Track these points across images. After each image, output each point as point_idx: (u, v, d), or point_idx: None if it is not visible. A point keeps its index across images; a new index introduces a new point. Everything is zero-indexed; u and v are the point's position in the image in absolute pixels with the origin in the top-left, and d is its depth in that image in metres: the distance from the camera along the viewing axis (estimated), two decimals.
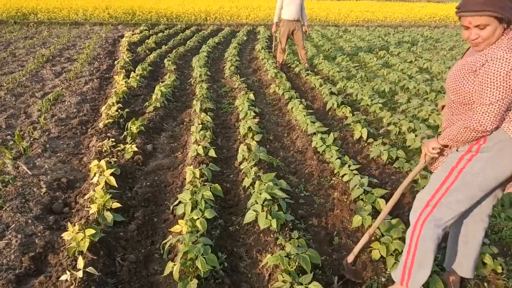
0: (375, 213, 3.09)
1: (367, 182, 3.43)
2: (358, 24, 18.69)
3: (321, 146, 4.36)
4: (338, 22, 19.02)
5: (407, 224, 3.04)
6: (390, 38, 13.56)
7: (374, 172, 4.04)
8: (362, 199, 3.26)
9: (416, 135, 4.64)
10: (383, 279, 2.51)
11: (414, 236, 2.08)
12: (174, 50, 9.61)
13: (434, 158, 2.18)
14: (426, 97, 6.60)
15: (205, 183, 3.27)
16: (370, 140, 4.60)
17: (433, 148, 2.12)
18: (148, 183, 3.74)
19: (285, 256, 2.39)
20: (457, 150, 2.00)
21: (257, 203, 2.98)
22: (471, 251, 2.27)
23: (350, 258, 2.63)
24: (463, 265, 2.31)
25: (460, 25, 15.81)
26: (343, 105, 5.74)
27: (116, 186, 3.31)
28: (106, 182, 3.30)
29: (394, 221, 2.84)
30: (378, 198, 3.15)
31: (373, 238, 2.81)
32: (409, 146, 4.58)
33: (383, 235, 2.74)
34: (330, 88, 6.53)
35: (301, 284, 2.17)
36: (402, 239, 2.65)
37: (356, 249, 2.61)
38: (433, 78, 7.94)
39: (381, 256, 2.62)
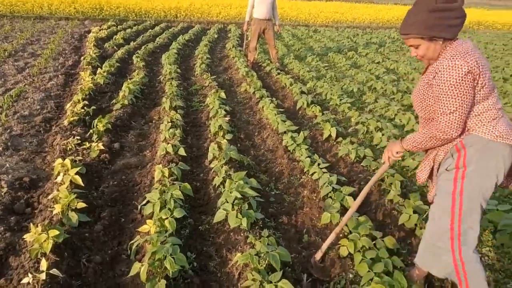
0: (344, 210, 3.14)
1: (336, 180, 3.48)
2: (328, 25, 18.95)
3: (291, 144, 4.39)
4: (308, 22, 19.22)
5: (374, 221, 3.13)
6: (358, 39, 13.83)
7: (342, 170, 4.10)
8: (330, 197, 3.30)
9: (383, 134, 4.76)
10: (350, 276, 2.55)
11: (460, 271, 2.02)
12: (143, 47, 9.41)
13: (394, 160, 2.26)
14: (392, 97, 6.77)
15: (175, 182, 3.22)
16: (339, 139, 4.67)
17: (397, 152, 2.17)
18: (115, 182, 3.64)
19: (255, 255, 2.39)
20: (446, 170, 1.99)
21: (227, 202, 2.96)
22: None
23: (318, 256, 2.65)
24: None
25: None
26: (313, 104, 5.80)
27: (82, 185, 3.21)
28: (71, 182, 3.19)
29: (361, 219, 2.89)
30: (346, 196, 3.21)
31: (341, 235, 2.86)
32: (376, 145, 4.69)
33: (351, 232, 2.79)
34: (301, 88, 6.59)
35: (271, 282, 2.17)
36: (370, 236, 2.71)
37: (324, 247, 2.64)
38: (399, 79, 8.16)
39: (349, 253, 2.66)
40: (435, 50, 1.89)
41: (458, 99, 1.80)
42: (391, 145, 2.19)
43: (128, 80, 6.49)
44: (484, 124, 1.90)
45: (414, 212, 3.02)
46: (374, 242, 2.64)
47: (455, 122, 1.84)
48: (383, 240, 2.67)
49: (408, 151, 2.15)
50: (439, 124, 1.87)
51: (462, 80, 1.79)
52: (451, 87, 1.80)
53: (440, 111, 1.85)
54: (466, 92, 1.80)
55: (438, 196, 2.09)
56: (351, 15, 20.79)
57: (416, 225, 2.98)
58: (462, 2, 1.82)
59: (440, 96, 1.84)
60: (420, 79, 2.08)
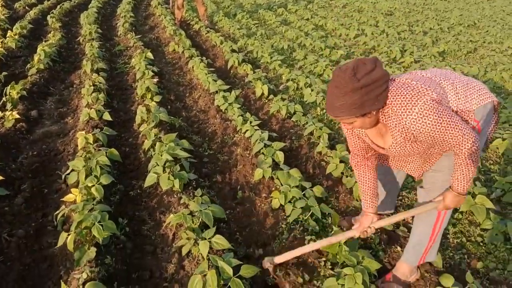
0: (275, 165, 3.21)
1: (267, 136, 3.53)
2: None
3: (223, 104, 4.35)
4: None
5: (304, 173, 3.25)
6: None
7: (274, 127, 4.17)
8: (263, 153, 3.35)
9: (312, 90, 4.87)
10: (283, 226, 2.65)
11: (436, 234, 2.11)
12: (58, 6, 8.61)
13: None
14: (321, 54, 6.90)
15: (100, 148, 3.07)
16: (271, 96, 4.70)
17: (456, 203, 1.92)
18: (35, 153, 3.40)
19: (188, 214, 2.39)
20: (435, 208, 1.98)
21: (158, 165, 2.89)
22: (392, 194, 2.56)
23: (278, 260, 2.22)
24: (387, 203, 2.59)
25: None
26: (244, 63, 5.75)
27: None
28: None
29: (292, 171, 2.97)
30: (277, 151, 3.27)
31: (273, 188, 2.94)
32: (306, 101, 4.80)
33: (282, 185, 2.87)
34: (231, 46, 6.47)
35: (205, 239, 2.19)
36: (300, 187, 2.80)
37: (288, 257, 2.23)
38: (327, 35, 8.30)
39: (281, 205, 2.75)
40: (372, 120, 1.71)
41: (453, 120, 1.67)
42: (452, 201, 1.89)
43: (44, 42, 5.95)
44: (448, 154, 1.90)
45: (341, 161, 3.17)
46: (303, 192, 2.74)
47: (469, 132, 1.70)
48: (312, 190, 2.79)
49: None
50: (466, 145, 1.70)
51: (437, 109, 1.64)
52: (439, 123, 1.65)
53: (454, 140, 1.69)
54: (449, 111, 1.68)
55: (422, 226, 2.11)
56: None
57: (342, 173, 3.13)
58: (381, 67, 1.65)
59: (442, 135, 1.68)
60: (373, 138, 1.92)
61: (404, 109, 1.65)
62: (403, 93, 1.67)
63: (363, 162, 2.06)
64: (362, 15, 10.56)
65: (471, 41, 8.45)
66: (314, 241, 2.32)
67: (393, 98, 1.68)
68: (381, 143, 1.91)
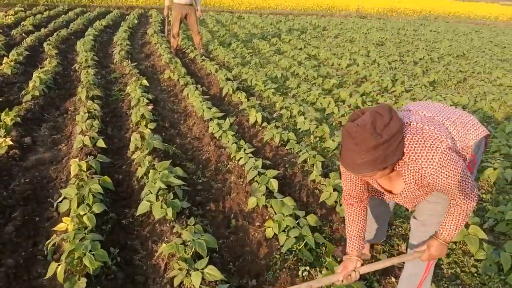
0: (269, 193, 3.21)
1: (261, 164, 3.54)
2: (252, 11, 19.01)
3: (217, 131, 4.38)
4: (232, 8, 19.13)
5: (298, 201, 3.25)
6: (281, 26, 14.07)
7: (268, 155, 4.19)
8: (256, 181, 3.35)
9: (305, 118, 4.93)
10: (277, 256, 2.63)
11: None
12: (55, 33, 8.72)
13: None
14: (314, 82, 7.02)
15: (93, 176, 3.06)
16: (264, 124, 4.75)
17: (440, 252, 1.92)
18: (28, 180, 3.36)
19: (180, 244, 2.36)
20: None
21: (151, 193, 2.88)
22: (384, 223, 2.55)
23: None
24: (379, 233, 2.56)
25: (344, 15, 16.93)
26: (239, 91, 5.82)
27: None
28: None
29: (286, 200, 2.97)
30: (271, 179, 3.28)
31: (266, 217, 2.93)
32: (299, 128, 4.85)
33: (276, 213, 2.86)
34: (226, 74, 6.57)
35: (197, 269, 2.17)
36: (293, 216, 2.80)
37: None
38: (320, 64, 8.47)
39: (275, 234, 2.73)
40: (390, 169, 1.68)
41: (466, 174, 1.68)
42: (437, 250, 1.87)
43: (39, 69, 5.99)
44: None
45: (334, 190, 3.18)
46: (297, 221, 2.73)
47: (476, 189, 1.74)
48: (305, 219, 2.78)
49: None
50: (469, 200, 1.73)
51: (455, 161, 1.65)
52: (456, 173, 1.64)
53: (462, 193, 1.71)
54: (462, 163, 1.69)
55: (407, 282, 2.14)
56: (274, 2, 21.04)
57: (336, 201, 3.14)
58: (397, 115, 1.61)
59: (454, 186, 1.67)
60: (382, 183, 1.91)
61: (424, 159, 1.63)
62: (420, 140, 1.65)
63: (357, 204, 2.01)
64: (354, 45, 10.82)
65: (460, 71, 8.67)
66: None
67: (411, 147, 1.65)
68: (388, 186, 1.89)
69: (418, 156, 1.64)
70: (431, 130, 1.68)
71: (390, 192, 1.91)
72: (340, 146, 1.69)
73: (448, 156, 1.63)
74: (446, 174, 1.63)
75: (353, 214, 2.03)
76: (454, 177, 1.64)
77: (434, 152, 1.62)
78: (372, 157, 1.53)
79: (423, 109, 1.87)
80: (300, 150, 3.94)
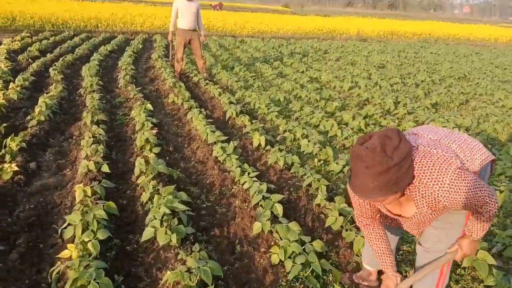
0: (274, 218, 3.19)
1: (266, 188, 3.53)
2: (254, 35, 19.34)
3: (221, 155, 4.38)
4: (235, 32, 19.47)
5: (303, 226, 3.22)
6: (283, 49, 14.28)
7: (272, 178, 4.18)
8: (261, 205, 3.34)
9: (309, 141, 4.94)
10: (283, 283, 2.59)
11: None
12: (61, 59, 8.87)
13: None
14: (316, 105, 7.07)
15: (98, 202, 3.05)
16: (268, 147, 4.76)
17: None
18: (32, 206, 3.36)
19: (185, 271, 2.33)
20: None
21: (156, 219, 2.87)
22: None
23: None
24: None
25: (345, 38, 17.22)
26: (242, 114, 5.86)
27: None
28: None
29: (291, 225, 2.95)
30: (275, 204, 3.26)
31: (272, 243, 2.89)
32: (303, 151, 4.85)
33: (281, 239, 2.83)
34: (229, 98, 6.63)
35: None
36: (299, 241, 2.77)
37: None
38: (322, 87, 8.54)
39: (280, 260, 2.70)
40: (402, 192, 1.67)
41: (479, 183, 1.67)
42: (469, 247, 1.89)
43: (45, 94, 6.07)
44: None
45: (340, 214, 3.16)
46: (303, 246, 2.70)
47: (494, 192, 1.74)
48: (311, 244, 2.75)
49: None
50: (490, 205, 1.73)
51: (466, 177, 1.63)
52: (470, 187, 1.63)
53: (481, 202, 1.70)
54: (473, 176, 1.68)
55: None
56: (276, 26, 21.43)
57: (342, 226, 3.11)
58: (405, 137, 1.61)
59: (472, 199, 1.66)
60: (390, 209, 1.89)
61: (435, 181, 1.62)
62: (429, 163, 1.64)
63: (372, 222, 2.00)
64: (355, 68, 10.94)
65: (462, 93, 8.72)
66: None
67: (420, 170, 1.64)
68: (397, 211, 1.88)
69: (429, 179, 1.62)
70: (439, 153, 1.68)
71: (399, 216, 1.90)
72: (348, 171, 1.69)
73: (459, 175, 1.62)
74: (460, 194, 1.62)
75: (373, 233, 2.00)
76: (468, 194, 1.62)
77: (444, 174, 1.61)
78: (383, 180, 1.52)
79: (429, 132, 1.88)
80: (305, 174, 3.93)
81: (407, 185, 1.62)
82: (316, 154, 4.71)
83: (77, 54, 9.96)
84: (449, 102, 7.78)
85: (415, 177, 1.65)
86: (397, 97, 7.66)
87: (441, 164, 1.64)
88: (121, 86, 7.53)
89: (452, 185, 1.60)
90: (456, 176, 1.61)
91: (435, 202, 1.67)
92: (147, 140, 4.50)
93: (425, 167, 1.64)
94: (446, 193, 1.62)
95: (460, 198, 1.62)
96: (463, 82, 9.98)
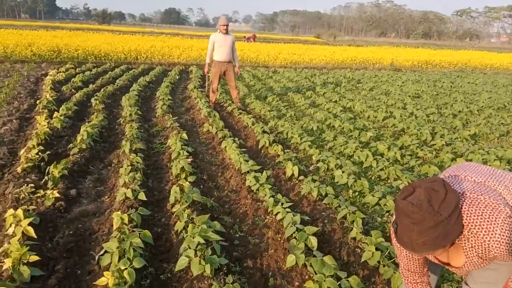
0: (308, 251, 3.13)
1: (300, 219, 3.49)
2: (287, 66, 19.62)
3: (254, 184, 4.39)
4: (268, 63, 19.83)
5: (338, 260, 3.14)
6: (316, 79, 14.38)
7: (305, 209, 4.13)
8: (295, 237, 3.29)
9: (343, 172, 4.87)
10: None
11: None
12: (102, 89, 9.31)
13: None
14: (350, 135, 7.00)
15: (134, 229, 3.11)
16: (301, 177, 4.73)
17: None
18: (71, 232, 3.47)
19: None
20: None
21: (190, 248, 2.88)
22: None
23: None
24: None
25: (378, 68, 17.13)
26: (275, 143, 5.89)
27: (35, 237, 3.03)
28: (23, 233, 3.01)
29: (326, 259, 2.89)
30: (310, 236, 3.21)
31: (306, 276, 2.83)
32: (337, 182, 4.78)
33: (316, 273, 2.77)
34: (262, 127, 6.70)
35: None
36: (335, 276, 2.70)
37: None
38: (355, 117, 8.48)
39: None
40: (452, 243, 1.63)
41: None
42: None
43: (87, 123, 6.36)
44: None
45: (377, 249, 3.06)
46: (339, 282, 2.63)
47: None
48: (348, 280, 2.67)
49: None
50: None
51: None
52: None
53: None
54: None
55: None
56: (308, 56, 21.69)
57: (379, 262, 3.01)
58: (450, 187, 1.56)
59: None
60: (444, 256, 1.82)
61: (485, 231, 1.56)
62: (478, 212, 1.59)
63: (420, 279, 1.90)
64: (390, 98, 10.82)
65: (502, 123, 8.41)
66: None
67: (469, 219, 1.59)
68: (446, 259, 1.81)
69: (479, 229, 1.57)
70: (487, 200, 1.62)
71: (448, 265, 1.82)
72: (394, 223, 1.63)
73: (509, 225, 1.56)
74: (511, 245, 1.54)
75: None
76: None
77: (494, 224, 1.55)
78: (433, 235, 1.47)
79: (472, 173, 1.81)
80: (339, 205, 3.87)
81: (457, 237, 1.57)
82: (350, 185, 4.63)
83: (117, 85, 10.42)
84: (488, 133, 7.51)
85: (464, 226, 1.60)
86: (434, 127, 7.48)
87: (490, 212, 1.57)
88: (159, 115, 7.78)
89: (503, 234, 1.54)
90: (506, 226, 1.55)
91: (486, 252, 1.61)
92: (182, 169, 4.58)
93: (474, 216, 1.58)
94: (497, 243, 1.55)
95: (511, 247, 1.55)
96: (503, 113, 9.64)
